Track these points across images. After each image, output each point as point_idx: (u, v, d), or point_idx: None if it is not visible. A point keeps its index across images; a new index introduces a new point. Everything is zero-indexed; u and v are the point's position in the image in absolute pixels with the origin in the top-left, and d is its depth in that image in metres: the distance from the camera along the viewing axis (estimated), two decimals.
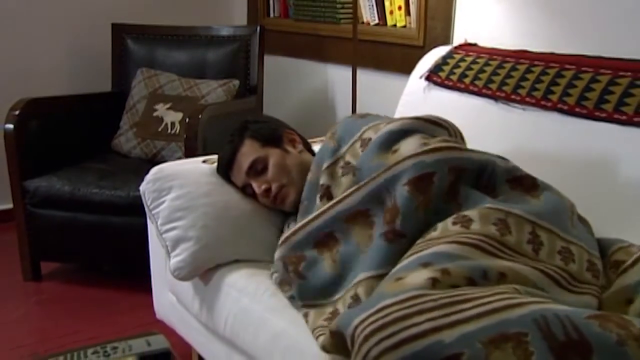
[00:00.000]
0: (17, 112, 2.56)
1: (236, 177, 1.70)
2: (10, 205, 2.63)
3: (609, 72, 1.68)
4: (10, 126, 2.54)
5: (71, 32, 3.29)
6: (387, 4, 2.74)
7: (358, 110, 2.65)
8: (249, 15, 3.50)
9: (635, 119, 1.56)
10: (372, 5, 2.79)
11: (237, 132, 1.71)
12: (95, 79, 3.19)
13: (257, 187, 1.65)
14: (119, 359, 1.07)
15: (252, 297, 1.51)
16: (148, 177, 1.75)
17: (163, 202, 1.68)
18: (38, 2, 3.17)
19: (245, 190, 1.70)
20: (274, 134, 1.72)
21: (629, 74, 1.64)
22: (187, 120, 2.44)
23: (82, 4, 3.27)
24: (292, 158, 1.69)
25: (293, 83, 3.32)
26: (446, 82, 2.09)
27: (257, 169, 1.66)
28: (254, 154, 1.66)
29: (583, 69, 1.74)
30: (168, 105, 2.80)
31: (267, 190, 1.65)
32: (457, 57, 2.13)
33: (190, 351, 1.96)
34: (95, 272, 2.73)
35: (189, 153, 2.32)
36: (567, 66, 1.78)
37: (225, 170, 1.72)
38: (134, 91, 2.91)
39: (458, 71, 2.07)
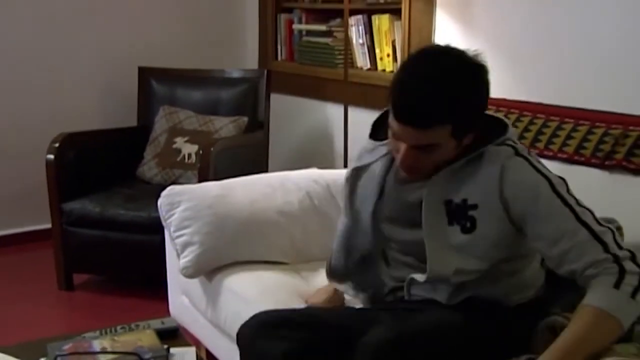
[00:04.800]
0: (56, 145, 2.89)
1: (401, 129, 1.38)
2: (48, 225, 2.95)
3: (542, 116, 2.04)
4: (51, 156, 2.86)
5: (103, 75, 3.58)
6: (377, 51, 3.10)
7: (349, 143, 3.01)
8: (259, 58, 3.82)
9: (575, 158, 1.89)
10: (365, 53, 3.14)
11: (446, 98, 1.34)
12: (123, 115, 3.46)
13: (409, 159, 1.40)
14: (140, 331, 1.44)
15: (244, 300, 1.85)
16: (163, 193, 2.09)
17: (174, 213, 2.02)
18: (75, 49, 3.49)
19: (393, 133, 1.42)
20: (470, 129, 1.42)
21: (557, 118, 2.00)
22: (200, 152, 2.81)
23: (112, 50, 3.57)
24: (453, 151, 1.42)
25: (296, 119, 3.64)
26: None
27: (423, 146, 1.39)
28: (436, 139, 1.37)
29: (524, 112, 2.11)
30: (186, 139, 3.11)
31: (410, 165, 1.42)
32: None
33: (199, 345, 2.30)
34: (121, 283, 3.05)
35: (202, 180, 2.63)
36: (512, 110, 2.15)
37: (401, 113, 1.37)
38: (157, 126, 3.22)
39: None
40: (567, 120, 1.97)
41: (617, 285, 1.25)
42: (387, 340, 1.34)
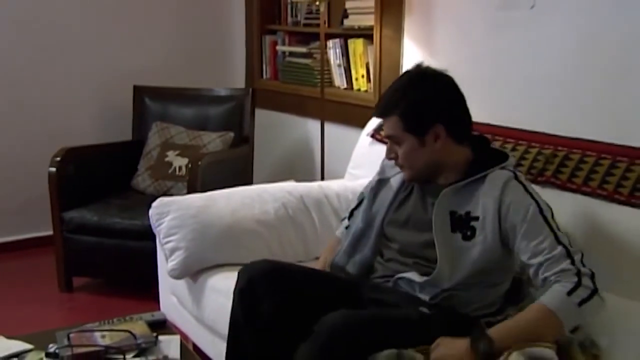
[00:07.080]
0: (58, 159, 3.10)
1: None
2: (50, 232, 3.17)
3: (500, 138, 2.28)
4: (53, 169, 3.08)
5: (101, 93, 3.79)
6: (353, 72, 3.35)
7: (326, 157, 3.26)
8: (246, 77, 4.06)
9: None
10: (342, 74, 3.40)
11: (398, 93, 1.71)
12: (119, 131, 3.65)
13: (387, 151, 1.77)
14: (133, 322, 1.71)
15: (225, 297, 2.03)
16: (153, 204, 2.32)
17: (163, 222, 2.24)
18: (74, 70, 3.70)
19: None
20: (420, 124, 1.69)
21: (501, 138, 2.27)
22: (190, 165, 3.05)
23: (109, 70, 3.79)
24: (424, 152, 1.70)
25: (279, 133, 3.86)
26: (385, 139, 2.70)
27: (392, 140, 1.74)
28: (393, 130, 1.71)
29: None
30: (177, 152, 3.33)
31: (390, 157, 1.77)
32: None
33: (187, 340, 2.53)
34: (116, 285, 3.27)
35: (191, 191, 2.84)
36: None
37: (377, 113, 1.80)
38: (150, 140, 3.43)
39: None
40: (508, 140, 2.24)
41: (569, 293, 1.48)
42: (344, 324, 1.52)
